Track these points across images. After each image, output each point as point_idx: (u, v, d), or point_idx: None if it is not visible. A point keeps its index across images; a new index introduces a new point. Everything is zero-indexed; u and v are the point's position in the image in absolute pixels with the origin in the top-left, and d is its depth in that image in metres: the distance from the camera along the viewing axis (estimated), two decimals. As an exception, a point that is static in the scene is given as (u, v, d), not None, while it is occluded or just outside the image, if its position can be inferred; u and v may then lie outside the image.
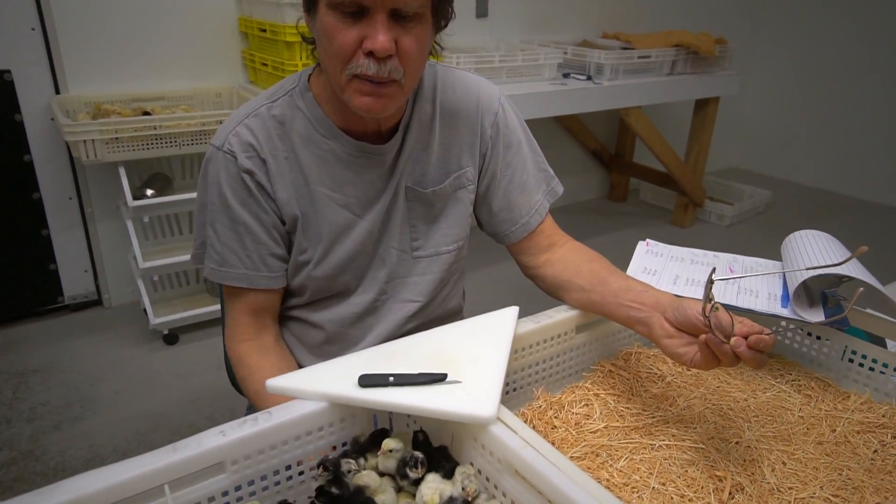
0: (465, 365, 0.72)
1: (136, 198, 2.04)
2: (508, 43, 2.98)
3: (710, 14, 3.80)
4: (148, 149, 1.97)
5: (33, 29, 2.04)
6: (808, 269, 0.84)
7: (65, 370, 2.06)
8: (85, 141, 1.85)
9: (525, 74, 2.62)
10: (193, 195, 2.07)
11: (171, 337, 2.20)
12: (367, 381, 0.68)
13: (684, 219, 3.43)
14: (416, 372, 0.70)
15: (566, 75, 2.77)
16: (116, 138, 1.90)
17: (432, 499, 0.62)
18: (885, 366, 0.87)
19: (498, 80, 2.53)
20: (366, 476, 0.65)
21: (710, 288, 0.67)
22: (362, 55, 0.74)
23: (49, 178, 2.21)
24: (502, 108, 0.95)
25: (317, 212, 0.89)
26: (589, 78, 2.75)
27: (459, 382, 0.69)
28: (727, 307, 0.87)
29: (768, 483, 0.70)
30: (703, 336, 0.69)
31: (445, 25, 0.83)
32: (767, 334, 0.66)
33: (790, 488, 0.70)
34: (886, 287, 1.20)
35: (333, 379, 0.70)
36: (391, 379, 0.69)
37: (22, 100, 2.08)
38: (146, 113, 2.06)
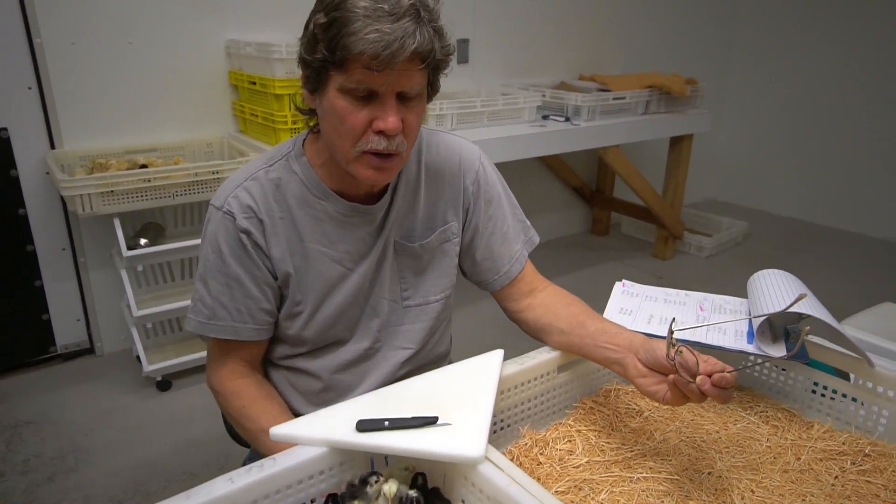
0: (455, 407, 0.78)
1: (129, 248, 2.09)
2: (489, 87, 3.10)
3: (681, 54, 3.98)
4: (142, 200, 2.03)
5: (30, 88, 2.12)
6: (754, 317, 0.92)
7: (58, 421, 2.07)
8: (81, 195, 1.91)
9: (506, 117, 2.73)
10: (185, 243, 2.15)
11: (164, 383, 2.22)
12: (364, 425, 0.74)
13: (665, 251, 3.53)
14: (410, 416, 0.75)
15: (545, 117, 2.89)
16: (112, 191, 1.95)
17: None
18: (844, 396, 0.94)
19: (480, 124, 2.64)
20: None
21: (672, 337, 0.74)
22: (372, 133, 0.83)
23: (43, 230, 2.26)
24: (482, 166, 1.03)
25: (310, 267, 0.95)
26: (567, 119, 2.86)
27: (450, 425, 0.74)
28: (699, 345, 0.94)
29: (738, 510, 0.76)
30: (670, 376, 0.76)
31: (434, 95, 0.92)
32: (729, 372, 0.73)
33: (758, 514, 0.75)
34: (843, 322, 1.28)
35: (332, 425, 0.75)
36: (386, 423, 0.74)
37: (18, 156, 2.14)
38: (143, 165, 2.12)
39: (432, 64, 0.82)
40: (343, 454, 0.73)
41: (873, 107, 3.81)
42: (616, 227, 4.02)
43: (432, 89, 0.89)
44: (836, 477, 0.82)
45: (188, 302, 2.24)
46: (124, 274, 2.13)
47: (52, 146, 2.20)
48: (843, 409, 0.95)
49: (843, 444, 0.88)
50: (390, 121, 0.81)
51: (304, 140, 0.97)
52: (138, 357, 2.21)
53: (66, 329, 2.40)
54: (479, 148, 1.04)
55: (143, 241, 2.17)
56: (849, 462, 0.85)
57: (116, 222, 2.05)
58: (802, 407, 0.98)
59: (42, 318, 2.34)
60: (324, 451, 0.72)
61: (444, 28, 0.84)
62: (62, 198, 2.13)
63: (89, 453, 1.92)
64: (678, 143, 3.36)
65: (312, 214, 0.94)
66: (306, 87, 0.88)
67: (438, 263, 1.02)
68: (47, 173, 2.18)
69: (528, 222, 1.09)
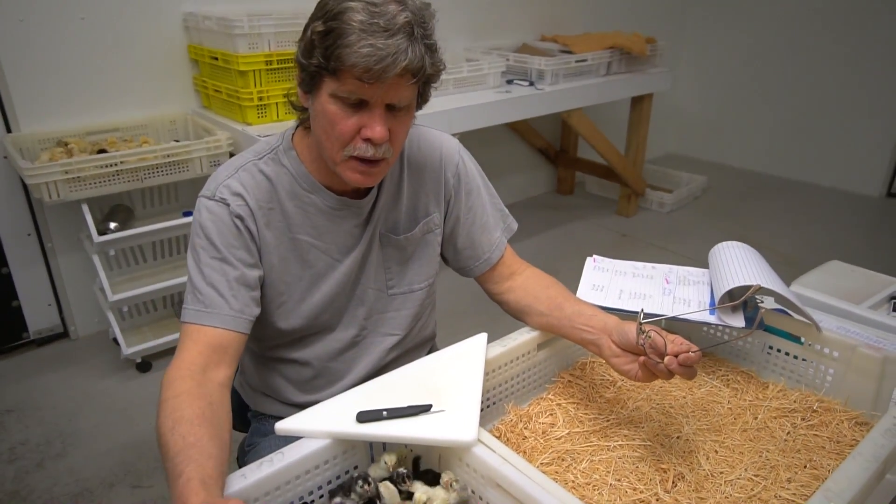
0: (447, 393, 0.84)
1: (100, 232, 2.06)
2: (452, 51, 3.08)
3: (640, 8, 4.00)
4: (111, 184, 2.00)
5: (-21, 70, 2.04)
6: (718, 307, 1.01)
7: (39, 407, 2.08)
8: (47, 182, 1.87)
9: (471, 84, 2.74)
10: (158, 226, 2.13)
11: (145, 364, 2.24)
12: (364, 416, 0.79)
13: (628, 208, 3.63)
14: (405, 404, 0.81)
15: (510, 81, 2.90)
16: (79, 177, 1.92)
17: (420, 498, 0.75)
18: (796, 357, 1.03)
19: (445, 92, 2.64)
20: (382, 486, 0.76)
21: (640, 327, 0.83)
22: (360, 140, 0.86)
23: (5, 215, 2.21)
24: (462, 159, 1.07)
25: (299, 257, 0.98)
26: (531, 83, 2.89)
27: (443, 411, 0.80)
28: (666, 317, 1.02)
29: (704, 470, 0.85)
30: (641, 358, 0.84)
31: (424, 105, 0.94)
32: (694, 352, 0.80)
33: (721, 472, 0.84)
34: (795, 282, 1.39)
35: (334, 417, 0.80)
36: (384, 413, 0.80)
37: (-28, 141, 2.08)
38: (101, 150, 2.08)
39: (423, 79, 0.85)
40: (345, 444, 0.79)
41: (825, 60, 3.92)
42: (581, 186, 4.10)
43: (422, 100, 0.92)
44: (789, 433, 0.92)
45: (164, 283, 2.24)
46: (96, 259, 2.11)
47: (9, 129, 2.13)
48: (794, 369, 1.04)
49: (795, 402, 0.98)
50: (378, 130, 0.84)
51: (293, 134, 0.98)
52: (115, 339, 2.21)
53: (37, 314, 2.38)
54: (457, 141, 1.08)
55: (112, 225, 2.14)
56: (799, 418, 0.94)
57: (85, 208, 2.01)
58: (759, 368, 1.08)
59: (12, 304, 2.31)
60: (327, 443, 0.78)
61: (437, 44, 0.86)
62: (23, 181, 2.08)
63: (76, 438, 1.94)
64: (639, 103, 3.42)
65: (301, 207, 0.97)
66: (301, 88, 0.90)
67: (422, 253, 1.06)
68: (5, 157, 2.12)
69: (507, 210, 1.14)
